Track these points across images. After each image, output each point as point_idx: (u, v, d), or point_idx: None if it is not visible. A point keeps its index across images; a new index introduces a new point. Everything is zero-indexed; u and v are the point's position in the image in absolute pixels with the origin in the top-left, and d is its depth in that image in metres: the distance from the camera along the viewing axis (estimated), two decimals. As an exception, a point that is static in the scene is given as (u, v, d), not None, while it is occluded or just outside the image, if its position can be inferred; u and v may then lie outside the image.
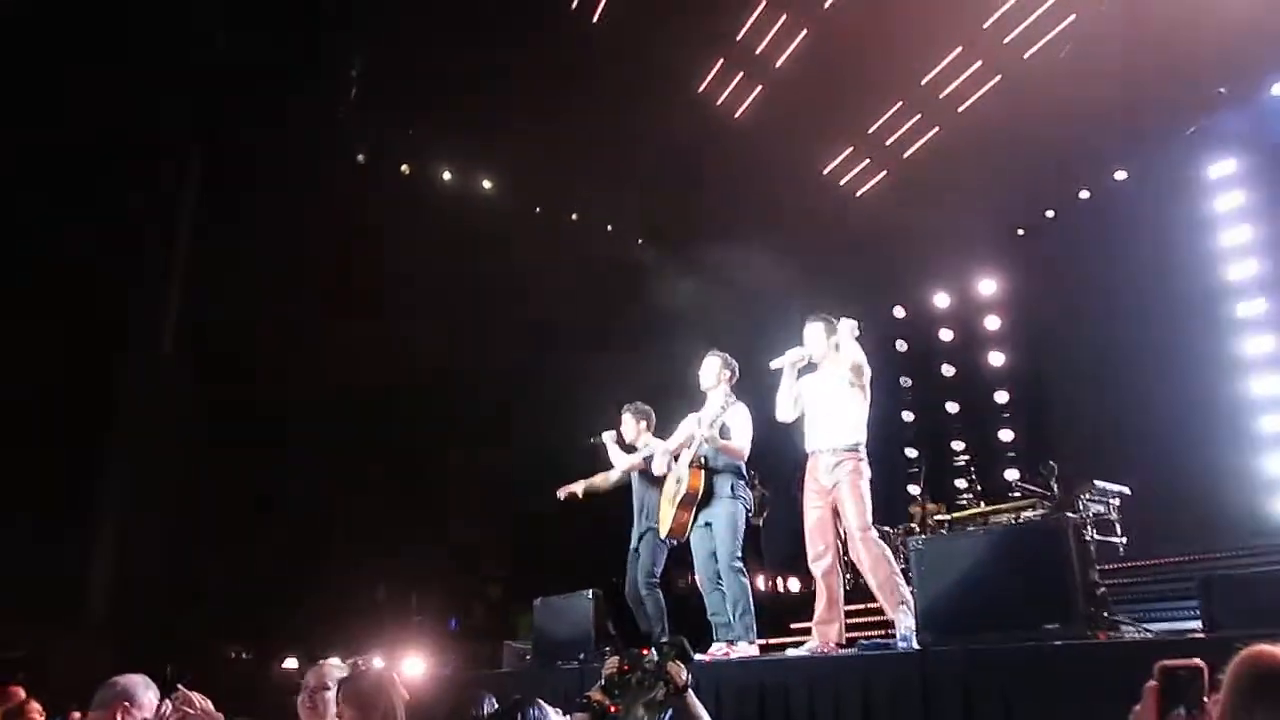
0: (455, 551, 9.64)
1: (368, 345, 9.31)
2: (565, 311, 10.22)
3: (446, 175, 10.76)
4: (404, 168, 10.42)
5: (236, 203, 9.05)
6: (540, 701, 2.73)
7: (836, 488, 5.16)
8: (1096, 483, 8.12)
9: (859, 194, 11.97)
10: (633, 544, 6.47)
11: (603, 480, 6.68)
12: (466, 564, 9.73)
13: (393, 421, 9.54)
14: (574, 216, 11.45)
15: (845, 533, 5.22)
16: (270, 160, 9.02)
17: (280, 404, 9.14)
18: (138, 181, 8.73)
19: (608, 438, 6.52)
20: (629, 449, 6.53)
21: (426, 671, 7.66)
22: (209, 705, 3.17)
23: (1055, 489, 8.59)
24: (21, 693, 6.45)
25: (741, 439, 5.66)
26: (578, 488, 6.72)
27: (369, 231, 9.41)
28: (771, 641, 6.74)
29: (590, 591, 6.17)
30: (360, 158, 9.99)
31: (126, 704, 3.50)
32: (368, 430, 9.48)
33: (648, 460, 6.23)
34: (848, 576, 8.58)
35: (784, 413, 5.50)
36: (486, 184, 10.98)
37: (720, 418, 5.54)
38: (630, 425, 6.56)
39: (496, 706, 3.29)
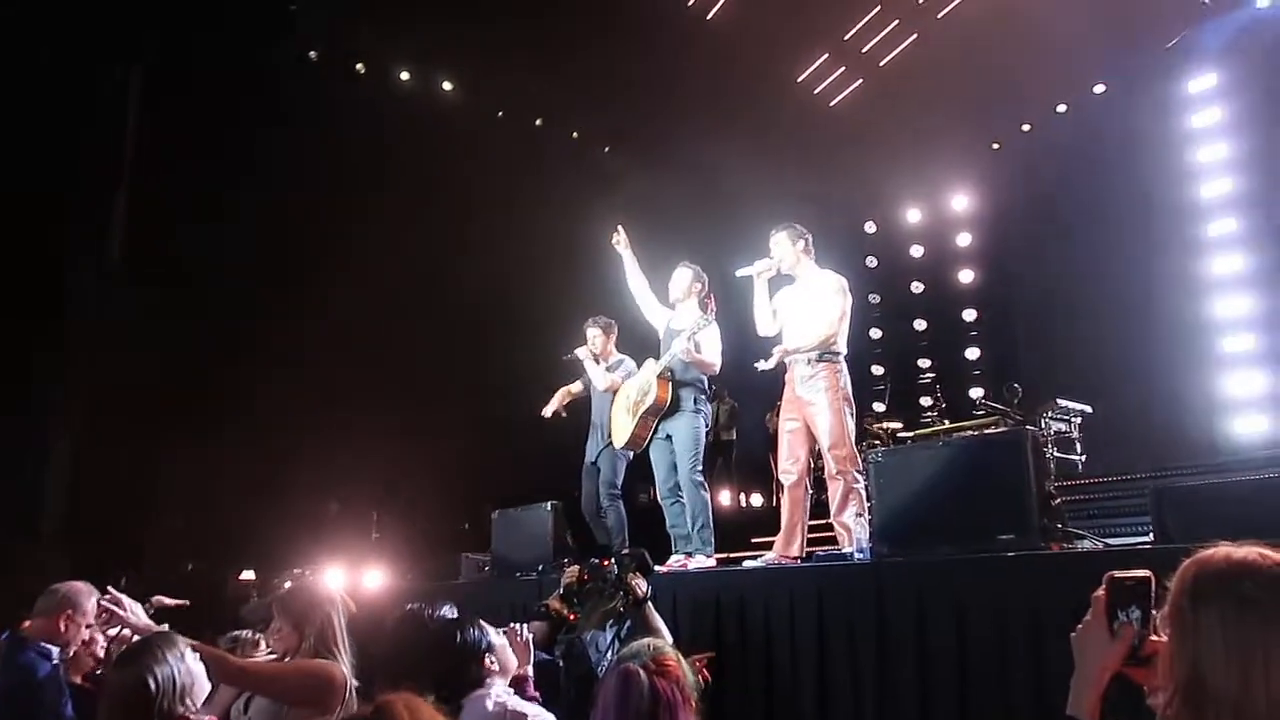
0: (423, 465, 9.62)
1: (324, 254, 9.14)
2: (529, 220, 10.06)
3: (404, 75, 10.43)
4: (359, 66, 10.07)
5: (182, 106, 8.73)
6: (481, 621, 2.75)
7: (811, 401, 5.11)
8: (1059, 401, 8.24)
9: (833, 103, 11.80)
10: (589, 458, 6.51)
11: (578, 388, 6.74)
12: (428, 479, 9.73)
13: (354, 331, 9.40)
14: (538, 122, 11.19)
15: (819, 448, 5.19)
16: (217, 59, 8.68)
17: (238, 313, 8.99)
18: (79, 87, 8.39)
19: (582, 353, 6.51)
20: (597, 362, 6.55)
21: (386, 583, 7.73)
22: (139, 610, 3.16)
23: (1019, 408, 8.73)
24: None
25: (712, 353, 5.66)
26: (559, 404, 6.73)
27: (322, 134, 9.13)
28: (731, 555, 6.84)
29: (549, 504, 6.21)
30: (312, 54, 9.63)
31: (70, 611, 3.50)
32: (330, 340, 9.36)
33: (626, 378, 6.23)
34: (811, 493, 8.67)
35: (763, 326, 5.46)
36: (446, 86, 10.66)
37: (699, 331, 5.53)
38: (599, 339, 6.55)
39: (456, 614, 3.32)
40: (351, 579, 7.67)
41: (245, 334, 8.92)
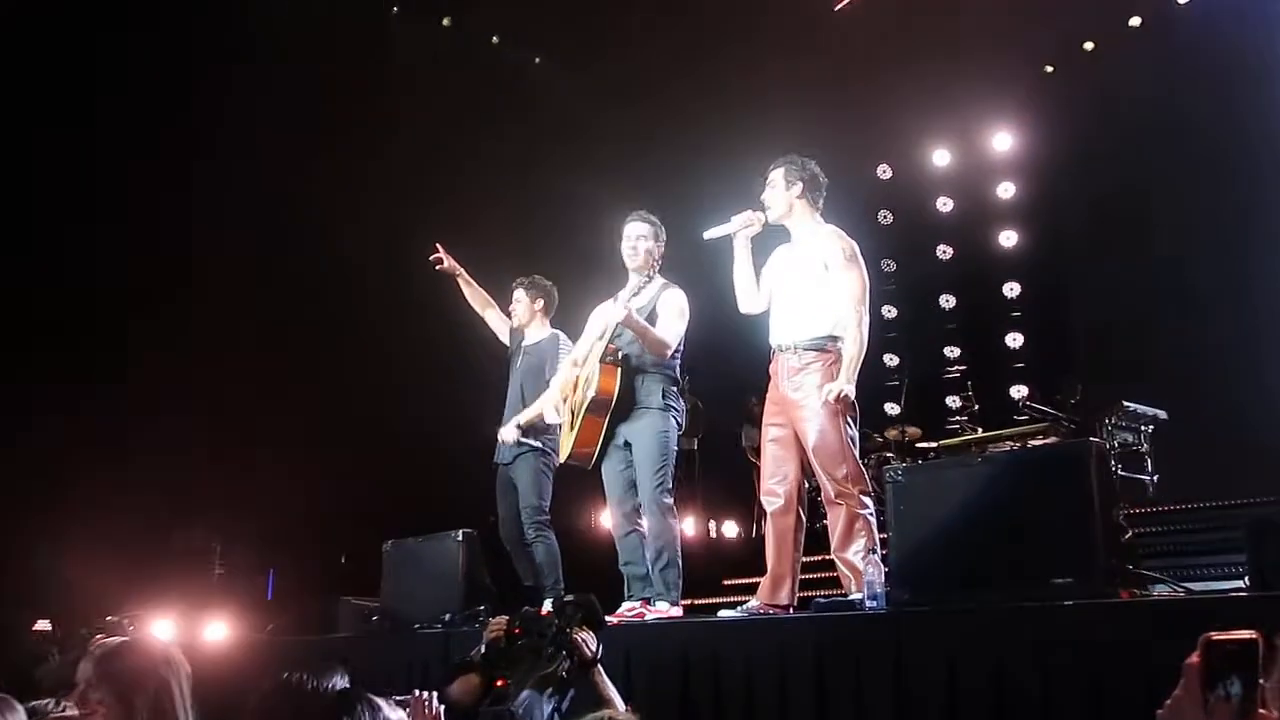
0: (285, 480, 9.54)
1: (157, 197, 8.99)
2: (443, 150, 9.99)
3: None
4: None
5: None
6: (372, 697, 2.74)
7: (801, 402, 5.10)
8: (1126, 404, 8.42)
9: (838, 7, 11.86)
10: (502, 458, 6.52)
11: (487, 308, 6.93)
12: (291, 497, 9.66)
13: (182, 311, 9.27)
14: (445, 22, 11.09)
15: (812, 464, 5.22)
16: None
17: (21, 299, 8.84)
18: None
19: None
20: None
21: (235, 637, 7.67)
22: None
23: (1074, 411, 8.89)
24: None
25: (668, 329, 5.64)
26: (461, 271, 6.92)
27: (187, 37, 8.98)
28: (699, 601, 6.91)
29: (459, 533, 6.20)
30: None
31: None
32: (150, 323, 9.21)
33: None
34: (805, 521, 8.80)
35: (745, 300, 5.47)
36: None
37: (646, 295, 5.54)
38: (523, 306, 6.63)
39: (348, 684, 3.30)
40: (187, 631, 7.60)
41: (32, 320, 8.76)
